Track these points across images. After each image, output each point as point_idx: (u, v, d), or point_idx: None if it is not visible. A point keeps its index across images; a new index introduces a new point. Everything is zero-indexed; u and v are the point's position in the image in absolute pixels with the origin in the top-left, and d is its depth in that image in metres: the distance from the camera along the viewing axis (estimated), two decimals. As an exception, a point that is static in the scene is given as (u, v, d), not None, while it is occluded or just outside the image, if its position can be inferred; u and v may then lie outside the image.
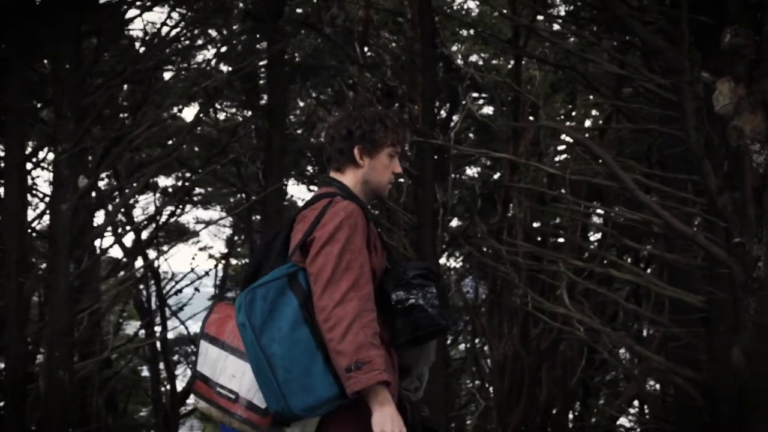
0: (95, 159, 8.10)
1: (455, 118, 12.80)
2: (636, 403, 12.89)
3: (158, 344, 13.30)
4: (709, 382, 6.78)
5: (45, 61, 8.59)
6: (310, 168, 14.46)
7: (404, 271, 2.91)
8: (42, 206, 8.89)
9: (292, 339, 2.70)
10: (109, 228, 10.69)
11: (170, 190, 13.48)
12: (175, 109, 10.59)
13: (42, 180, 14.02)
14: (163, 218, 12.59)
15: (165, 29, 8.67)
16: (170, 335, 15.31)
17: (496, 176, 13.59)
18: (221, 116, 13.71)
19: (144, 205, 14.04)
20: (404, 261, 3.29)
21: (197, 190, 14.54)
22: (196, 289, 13.48)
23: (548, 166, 9.86)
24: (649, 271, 11.72)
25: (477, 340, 13.53)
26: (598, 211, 10.82)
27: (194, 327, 14.46)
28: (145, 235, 11.86)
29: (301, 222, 2.89)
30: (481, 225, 10.85)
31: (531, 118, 11.77)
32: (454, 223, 14.45)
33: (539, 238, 12.15)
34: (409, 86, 11.31)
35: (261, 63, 11.13)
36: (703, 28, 6.13)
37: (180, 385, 14.29)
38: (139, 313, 13.80)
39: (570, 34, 9.26)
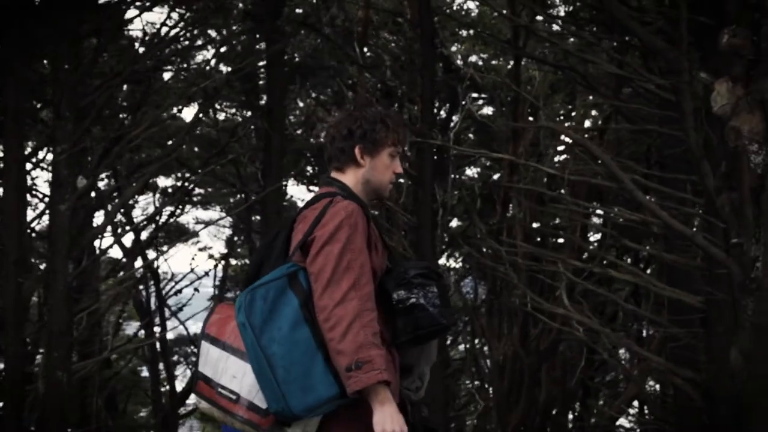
0: (95, 159, 8.10)
1: (455, 118, 12.79)
2: (636, 403, 12.87)
3: (158, 345, 13.29)
4: (708, 382, 6.78)
5: (45, 61, 8.59)
6: (309, 168, 14.46)
7: (405, 271, 2.92)
8: (42, 206, 8.89)
9: (292, 339, 2.71)
10: (109, 228, 10.71)
11: (170, 190, 13.48)
12: (175, 110, 10.60)
13: (42, 180, 13.99)
14: (163, 219, 12.61)
15: (164, 29, 8.68)
16: (170, 336, 15.33)
17: (495, 177, 13.59)
18: (221, 116, 13.73)
19: (144, 205, 14.05)
20: (405, 260, 3.30)
21: (197, 190, 14.54)
22: (196, 290, 13.47)
23: (547, 166, 9.86)
24: (648, 271, 11.72)
25: (476, 341, 13.51)
26: (598, 211, 10.82)
27: (194, 327, 14.47)
28: (144, 235, 11.87)
29: (302, 222, 2.90)
30: (480, 225, 10.85)
31: (531, 118, 11.77)
32: (454, 223, 14.45)
33: (539, 239, 12.15)
34: (409, 87, 11.31)
35: (260, 63, 11.13)
36: (703, 29, 6.12)
37: (179, 386, 14.30)
38: (139, 313, 13.80)
39: (569, 35, 9.26)
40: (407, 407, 2.96)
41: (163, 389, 14.11)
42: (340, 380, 2.68)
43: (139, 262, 11.55)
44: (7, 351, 7.33)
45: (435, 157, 11.76)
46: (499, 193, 11.72)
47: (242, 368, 2.75)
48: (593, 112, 12.94)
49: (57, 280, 7.20)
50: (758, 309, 5.13)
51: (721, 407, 6.53)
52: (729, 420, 6.17)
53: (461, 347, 15.40)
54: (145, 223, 11.39)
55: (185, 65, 10.54)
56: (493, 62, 13.43)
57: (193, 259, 15.27)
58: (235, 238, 15.60)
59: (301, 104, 14.44)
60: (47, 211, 7.91)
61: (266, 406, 2.71)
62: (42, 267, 8.24)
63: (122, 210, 11.18)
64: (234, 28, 11.02)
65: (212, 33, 11.31)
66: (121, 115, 9.73)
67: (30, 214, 8.51)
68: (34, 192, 9.23)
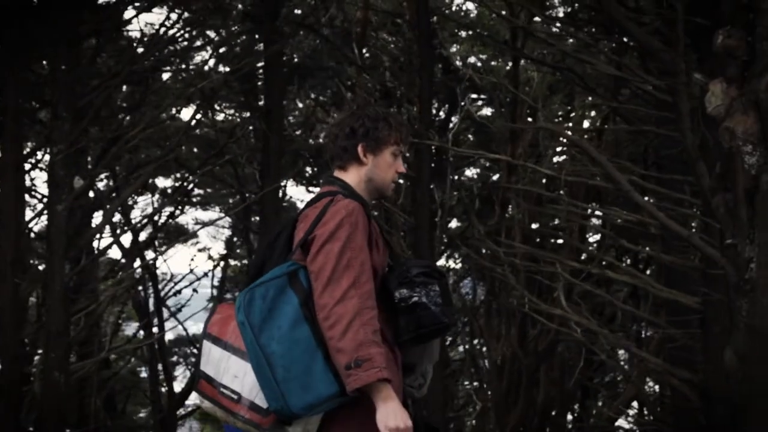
0: (93, 160, 8.11)
1: (454, 119, 12.80)
2: (635, 404, 12.87)
3: (156, 345, 13.30)
4: (704, 383, 6.78)
5: (44, 61, 8.60)
6: (309, 169, 14.47)
7: (407, 269, 2.95)
8: (41, 207, 8.89)
9: (292, 337, 2.73)
10: (108, 229, 10.73)
11: (169, 191, 13.49)
12: (174, 110, 10.61)
13: (41, 181, 14.00)
14: (162, 219, 12.63)
15: (163, 30, 8.68)
16: (170, 336, 15.35)
17: (495, 177, 13.59)
18: (220, 117, 13.74)
19: (143, 206, 14.07)
20: (407, 259, 3.31)
21: (196, 191, 14.56)
22: (195, 290, 13.49)
23: (546, 167, 9.86)
24: (648, 272, 11.71)
25: (475, 341, 13.52)
26: (596, 212, 10.82)
27: (193, 328, 14.49)
28: (143, 236, 11.89)
29: (303, 221, 2.92)
30: (479, 226, 10.85)
31: (530, 119, 11.77)
32: (454, 224, 14.45)
33: (538, 240, 12.15)
34: (408, 87, 11.32)
35: (259, 64, 11.12)
36: (700, 30, 6.13)
37: (179, 387, 14.31)
38: (138, 314, 13.80)
39: (567, 36, 9.26)
40: (409, 404, 2.96)
41: (163, 389, 14.12)
42: (341, 378, 2.69)
43: (137, 263, 11.56)
44: (4, 352, 7.32)
45: (434, 158, 11.78)
46: (498, 194, 11.72)
47: (243, 368, 2.76)
48: (592, 113, 12.94)
49: (54, 281, 7.20)
50: (752, 310, 5.13)
51: (717, 408, 6.52)
52: (726, 421, 6.17)
53: (460, 348, 15.40)
54: (143, 223, 11.40)
55: (184, 66, 10.54)
56: (493, 63, 13.42)
57: (192, 259, 15.26)
58: (235, 239, 15.60)
59: (300, 105, 14.45)
60: (45, 212, 7.91)
61: (267, 405, 2.72)
62: (41, 268, 8.23)
63: (120, 210, 11.17)
64: (233, 28, 11.03)
65: (211, 34, 11.33)
66: (120, 116, 9.74)
67: (29, 214, 8.55)
68: (33, 193, 9.24)
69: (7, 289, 7.21)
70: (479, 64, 13.35)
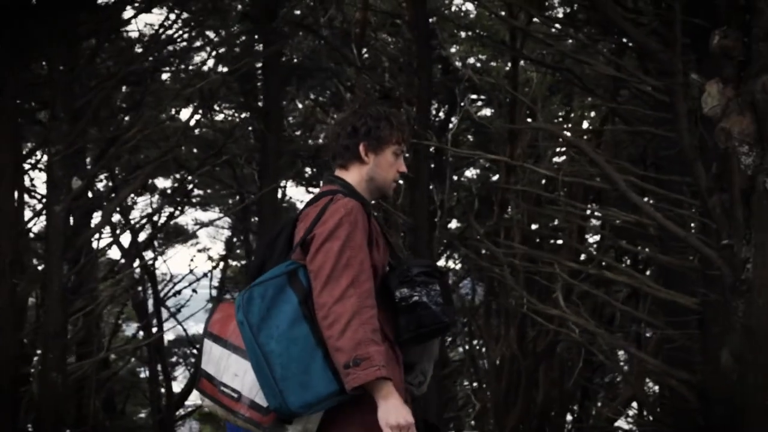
0: (92, 160, 8.11)
1: (453, 119, 12.80)
2: (635, 405, 12.87)
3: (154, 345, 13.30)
4: (703, 384, 6.77)
5: (43, 62, 8.60)
6: (308, 170, 14.47)
7: (408, 269, 2.93)
8: (40, 207, 8.90)
9: (291, 336, 2.72)
10: (108, 229, 10.74)
11: (168, 191, 13.50)
12: (173, 111, 10.62)
13: (41, 181, 14.02)
14: (162, 220, 12.63)
15: (162, 30, 8.69)
16: (170, 336, 15.37)
17: (494, 178, 13.59)
18: (220, 117, 13.74)
19: (143, 207, 14.06)
20: (408, 258, 3.31)
21: (196, 191, 14.56)
22: (194, 291, 13.51)
23: (544, 168, 9.85)
24: (648, 273, 11.71)
25: (474, 342, 13.52)
26: (594, 213, 10.82)
27: (192, 328, 14.50)
28: (143, 236, 11.89)
29: (304, 220, 2.91)
30: (478, 227, 10.85)
31: (529, 120, 11.77)
32: (454, 224, 14.46)
33: (538, 240, 12.15)
34: (407, 88, 11.32)
35: (258, 65, 11.12)
36: (698, 31, 6.13)
37: (179, 387, 14.32)
38: (138, 314, 13.81)
39: (566, 37, 9.26)
40: (409, 401, 2.96)
41: (163, 390, 14.12)
42: (340, 377, 2.69)
43: (136, 263, 11.56)
44: (2, 352, 7.31)
45: (433, 159, 11.79)
46: (497, 195, 11.72)
47: (244, 366, 2.76)
48: (592, 114, 12.94)
49: (52, 281, 7.20)
50: (748, 311, 5.12)
51: (716, 408, 6.53)
52: (724, 421, 6.16)
53: (459, 348, 15.42)
54: (143, 223, 11.41)
55: (183, 66, 10.54)
56: (492, 64, 13.43)
57: (191, 260, 15.25)
58: (234, 240, 15.61)
59: (300, 106, 14.45)
60: (44, 212, 7.91)
61: (267, 403, 2.72)
62: (40, 268, 8.23)
63: (119, 210, 11.17)
64: (233, 29, 11.04)
65: (210, 34, 11.34)
66: (119, 116, 9.75)
67: (29, 215, 8.55)
68: (33, 193, 9.24)
69: (6, 289, 7.20)
70: (478, 64, 13.35)
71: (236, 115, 13.75)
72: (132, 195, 11.76)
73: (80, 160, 8.83)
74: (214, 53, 9.99)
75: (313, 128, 14.26)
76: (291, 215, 3.18)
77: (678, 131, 6.14)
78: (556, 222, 11.98)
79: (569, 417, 13.06)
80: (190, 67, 10.49)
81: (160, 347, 13.33)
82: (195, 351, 15.03)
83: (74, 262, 8.07)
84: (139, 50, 8.62)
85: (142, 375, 15.66)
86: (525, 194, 10.79)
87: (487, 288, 12.63)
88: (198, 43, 10.45)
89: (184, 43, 9.79)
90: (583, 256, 11.08)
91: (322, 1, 11.57)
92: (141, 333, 13.73)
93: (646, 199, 8.61)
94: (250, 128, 12.07)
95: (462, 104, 11.93)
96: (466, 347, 13.82)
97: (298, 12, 12.11)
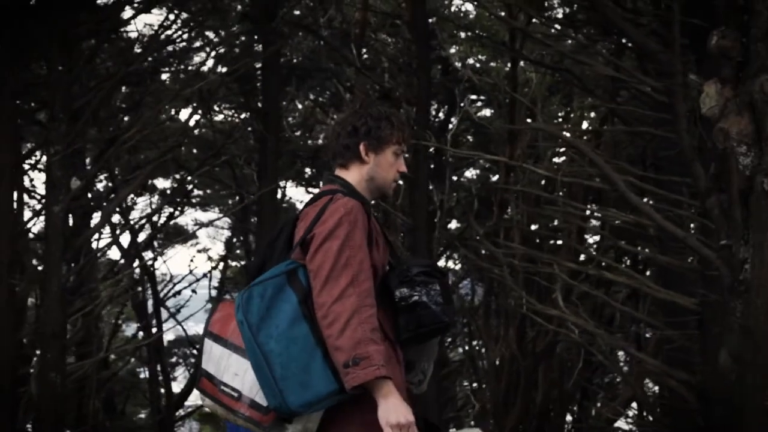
0: (92, 161, 8.11)
1: (453, 120, 12.80)
2: (635, 405, 12.85)
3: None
4: (702, 384, 6.77)
5: (42, 62, 8.61)
6: (308, 170, 14.47)
7: (408, 268, 2.94)
8: (39, 208, 8.90)
9: (290, 336, 2.72)
10: (108, 230, 10.74)
11: (168, 192, 13.50)
12: (173, 111, 10.61)
13: (40, 182, 14.02)
14: (162, 220, 12.64)
15: (161, 31, 8.68)
16: (170, 337, 15.37)
17: (494, 178, 13.59)
18: (220, 118, 13.74)
19: (143, 207, 14.06)
20: (408, 258, 3.31)
21: (196, 192, 14.56)
22: (193, 291, 13.51)
23: (544, 168, 9.85)
24: (648, 273, 11.71)
25: (474, 343, 13.52)
26: (594, 213, 10.81)
27: (192, 329, 14.50)
28: (142, 236, 11.90)
29: (303, 219, 2.92)
30: (477, 228, 10.85)
31: (529, 120, 11.77)
32: (454, 225, 14.46)
33: (537, 241, 12.14)
34: (406, 88, 11.31)
35: (257, 65, 11.12)
36: (698, 31, 6.13)
37: (178, 387, 14.31)
38: (137, 314, 13.82)
39: (566, 37, 9.27)
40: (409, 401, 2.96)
41: (162, 390, 14.12)
42: (340, 376, 2.69)
43: (136, 264, 11.56)
44: (1, 353, 7.31)
45: (433, 159, 11.79)
46: (496, 195, 11.72)
47: (244, 366, 2.76)
48: (592, 114, 12.94)
49: (51, 282, 7.19)
50: (746, 311, 5.11)
51: (715, 409, 6.51)
52: (723, 421, 6.16)
53: (459, 349, 15.41)
54: (142, 223, 11.41)
55: (182, 67, 10.55)
56: (492, 64, 13.43)
57: (191, 260, 15.25)
58: (234, 240, 15.61)
59: (299, 106, 14.45)
60: (43, 213, 7.91)
61: (267, 403, 2.72)
62: (40, 268, 8.23)
63: (117, 210, 11.17)
64: (233, 29, 11.04)
65: (210, 35, 11.34)
66: (118, 117, 9.76)
67: (29, 215, 8.55)
68: (33, 194, 9.24)
69: (5, 290, 7.20)
70: (478, 65, 13.35)
71: (236, 115, 13.75)
72: (132, 195, 11.77)
73: (79, 160, 8.84)
74: (213, 54, 9.99)
75: (313, 129, 14.26)
76: (291, 215, 3.18)
77: (677, 132, 6.15)
78: (555, 222, 11.98)
79: (569, 417, 13.05)
80: (190, 68, 10.48)
81: (160, 348, 13.33)
82: (195, 351, 15.04)
83: (74, 263, 8.08)
84: (139, 51, 8.61)
85: (142, 375, 15.66)
86: (524, 195, 10.79)
87: (486, 288, 12.63)
88: (197, 44, 10.46)
89: (184, 44, 9.80)
90: (582, 257, 11.08)
91: (322, 1, 11.57)
92: (141, 333, 13.73)
93: (645, 199, 8.62)
94: (249, 129, 12.06)
95: (462, 105, 11.93)
96: (466, 348, 13.82)
97: (297, 12, 12.10)
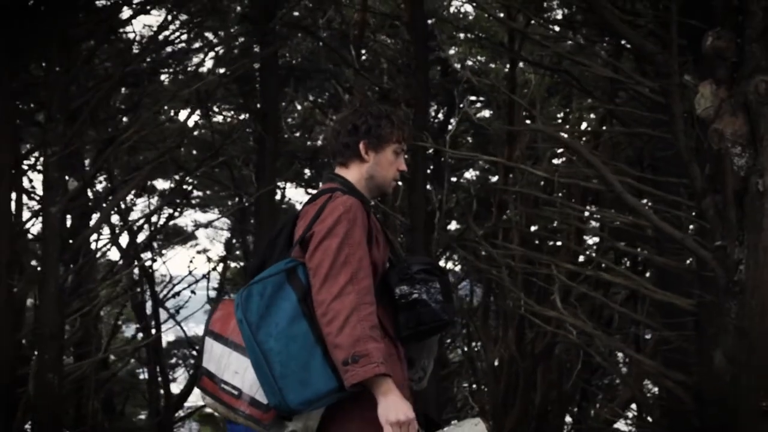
0: (90, 162, 8.12)
1: (452, 121, 12.79)
2: (634, 406, 12.84)
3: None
4: (698, 385, 6.76)
5: (42, 63, 8.61)
6: (308, 171, 14.47)
7: (408, 266, 2.94)
8: (38, 208, 8.90)
9: (290, 334, 2.73)
10: (107, 231, 10.74)
11: (167, 193, 13.50)
12: (172, 112, 10.62)
13: (40, 183, 14.01)
14: (161, 221, 12.64)
15: (160, 32, 8.69)
16: (170, 337, 15.36)
17: (494, 179, 13.59)
18: (219, 119, 13.75)
19: (143, 208, 14.07)
20: (409, 256, 3.31)
21: (195, 193, 14.57)
22: (192, 292, 13.51)
23: (541, 169, 9.86)
24: (648, 275, 11.70)
25: (473, 344, 13.52)
26: (592, 214, 10.81)
27: (191, 330, 14.49)
28: (141, 237, 11.90)
29: (303, 218, 2.93)
30: (476, 229, 10.85)
31: (528, 121, 11.76)
32: (453, 226, 14.45)
33: (537, 242, 12.14)
34: (405, 90, 11.31)
35: (257, 66, 11.12)
36: (695, 32, 6.13)
37: (178, 388, 14.30)
38: (137, 315, 13.82)
39: (564, 38, 9.27)
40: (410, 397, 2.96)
41: (162, 391, 14.12)
42: (339, 374, 2.69)
43: (135, 264, 11.56)
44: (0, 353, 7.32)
45: (432, 160, 11.79)
46: (495, 197, 11.71)
47: (244, 364, 2.77)
48: (592, 116, 12.94)
49: (48, 282, 7.19)
50: (741, 312, 5.11)
51: (711, 410, 6.50)
52: (718, 422, 6.15)
53: (458, 350, 15.41)
54: (141, 224, 11.41)
55: (181, 68, 10.55)
56: (491, 65, 13.43)
57: (191, 261, 15.27)
58: (234, 241, 15.61)
59: (299, 107, 14.45)
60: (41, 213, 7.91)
61: (267, 401, 2.73)
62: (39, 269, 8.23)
63: (116, 211, 11.18)
64: (233, 30, 11.04)
65: (210, 36, 11.35)
66: (116, 117, 9.76)
67: (27, 216, 8.55)
68: (32, 195, 9.25)
69: (3, 291, 7.20)
70: (477, 66, 13.34)
71: (235, 116, 13.76)
72: (131, 196, 11.78)
73: (78, 161, 8.84)
74: (212, 54, 10.00)
75: (312, 130, 14.27)
76: (291, 214, 3.19)
77: (674, 133, 6.15)
78: (555, 224, 11.97)
79: (567, 418, 13.04)
80: (189, 69, 10.48)
81: (159, 349, 13.33)
82: (194, 352, 15.04)
83: (73, 263, 8.08)
84: (137, 51, 8.61)
85: (142, 376, 15.66)
86: (523, 196, 10.78)
87: (485, 289, 12.62)
88: (196, 45, 10.45)
89: (183, 45, 9.80)
90: (581, 258, 11.08)
91: (321, 2, 11.57)
92: (140, 334, 13.74)
93: (644, 201, 8.62)
94: (249, 130, 12.06)
95: (461, 106, 11.92)
96: (465, 349, 13.81)
97: (296, 13, 12.10)
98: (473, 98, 13.41)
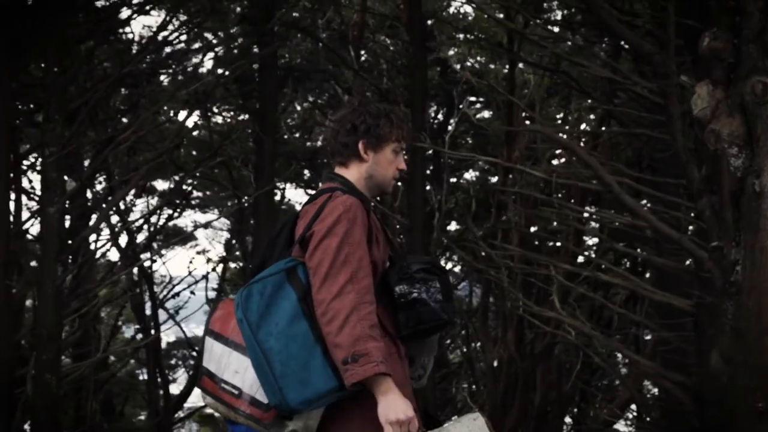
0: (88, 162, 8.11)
1: (452, 122, 12.80)
2: (633, 407, 12.84)
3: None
4: (697, 386, 6.76)
5: (42, 63, 8.62)
6: (307, 172, 14.47)
7: (408, 265, 2.95)
8: (37, 209, 8.90)
9: (290, 333, 2.73)
10: (107, 231, 10.73)
11: (166, 193, 13.50)
12: (171, 113, 10.62)
13: (38, 183, 14.01)
14: (161, 222, 12.63)
15: (159, 32, 8.70)
16: (170, 338, 15.36)
17: (493, 180, 13.59)
18: (218, 119, 13.75)
19: (143, 209, 14.07)
20: (408, 255, 3.32)
21: (195, 193, 14.57)
22: (192, 293, 13.51)
23: (540, 170, 9.86)
24: (647, 275, 11.70)
25: (472, 344, 13.51)
26: (591, 215, 10.81)
27: (191, 330, 14.49)
28: (141, 238, 11.90)
29: (303, 217, 2.93)
30: (475, 229, 10.85)
31: (527, 122, 11.77)
32: (453, 226, 14.45)
33: (536, 243, 12.13)
34: (404, 90, 11.32)
35: (256, 66, 11.12)
36: (693, 32, 6.13)
37: (177, 389, 14.30)
38: (136, 316, 13.82)
39: (563, 39, 9.28)
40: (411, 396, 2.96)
41: (161, 392, 14.11)
42: (339, 373, 2.70)
43: (135, 265, 11.56)
44: (-2, 354, 7.33)
45: (432, 161, 11.79)
46: (494, 197, 11.71)
47: (244, 363, 2.77)
48: (591, 116, 12.94)
49: (46, 283, 7.19)
50: (738, 313, 5.10)
51: (709, 410, 6.50)
52: (717, 423, 6.15)
53: (457, 351, 15.40)
54: (140, 224, 11.40)
55: (180, 68, 10.56)
56: (490, 66, 13.43)
57: (190, 262, 15.27)
58: (233, 242, 15.61)
59: (298, 108, 14.45)
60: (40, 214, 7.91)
61: (267, 400, 2.73)
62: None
63: (115, 211, 11.18)
64: (232, 31, 11.05)
65: (209, 36, 11.35)
66: (115, 118, 9.76)
67: (26, 216, 8.55)
68: (32, 195, 9.25)
69: (1, 291, 7.20)
70: (476, 66, 13.35)
71: (234, 117, 13.76)
72: (130, 197, 11.78)
73: (76, 161, 8.84)
74: (211, 55, 10.01)
75: (311, 130, 14.27)
76: (290, 213, 3.19)
77: (672, 133, 6.15)
78: (554, 224, 11.97)
79: (567, 419, 13.03)
80: (188, 69, 10.49)
81: (158, 349, 13.33)
82: (194, 353, 15.04)
83: (72, 264, 8.08)
84: (136, 52, 8.61)
85: (141, 377, 15.66)
86: (522, 197, 10.78)
87: (484, 290, 12.62)
88: (195, 45, 10.46)
89: (182, 45, 9.81)
90: (580, 259, 11.07)
91: (320, 3, 11.57)
92: (139, 335, 13.73)
93: (643, 201, 8.62)
94: (248, 130, 12.07)
95: (460, 106, 11.93)
96: (464, 349, 13.80)
97: (295, 14, 12.11)
98: (472, 99, 13.41)
